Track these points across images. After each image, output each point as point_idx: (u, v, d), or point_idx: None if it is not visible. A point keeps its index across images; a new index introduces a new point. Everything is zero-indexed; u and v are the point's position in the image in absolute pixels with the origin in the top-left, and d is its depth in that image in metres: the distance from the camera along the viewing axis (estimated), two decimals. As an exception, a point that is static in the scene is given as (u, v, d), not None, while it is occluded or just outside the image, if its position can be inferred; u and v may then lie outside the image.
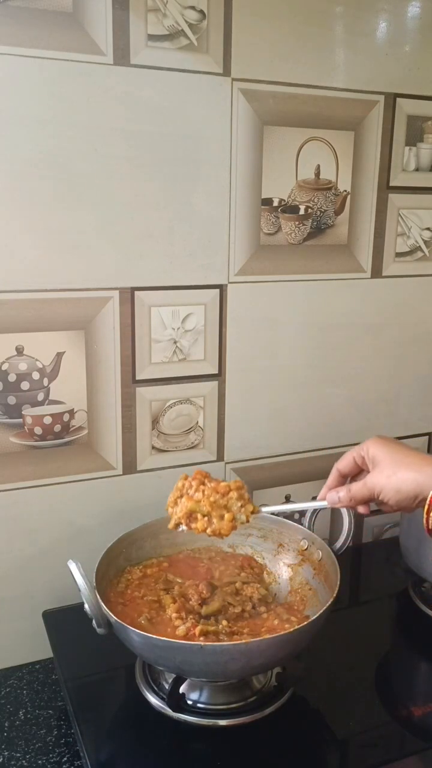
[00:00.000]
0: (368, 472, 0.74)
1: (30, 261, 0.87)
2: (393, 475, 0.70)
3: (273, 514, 0.84)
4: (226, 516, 0.78)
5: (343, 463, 0.78)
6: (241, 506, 0.79)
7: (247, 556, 0.96)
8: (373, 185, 1.06)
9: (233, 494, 0.79)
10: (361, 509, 0.76)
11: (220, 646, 0.73)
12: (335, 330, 1.10)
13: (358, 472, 0.77)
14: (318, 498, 0.79)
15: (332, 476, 0.79)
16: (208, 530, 0.78)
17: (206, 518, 0.78)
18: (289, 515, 1.13)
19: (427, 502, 0.67)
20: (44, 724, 0.86)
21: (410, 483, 0.68)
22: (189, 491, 0.80)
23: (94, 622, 0.76)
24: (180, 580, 0.89)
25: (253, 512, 0.80)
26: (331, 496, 0.76)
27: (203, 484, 0.80)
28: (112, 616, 0.74)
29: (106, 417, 0.96)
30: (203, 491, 0.79)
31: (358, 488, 0.73)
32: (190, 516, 0.78)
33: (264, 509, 0.82)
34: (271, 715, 0.79)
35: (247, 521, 0.80)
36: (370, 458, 0.74)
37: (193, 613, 0.82)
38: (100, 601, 0.76)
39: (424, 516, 0.67)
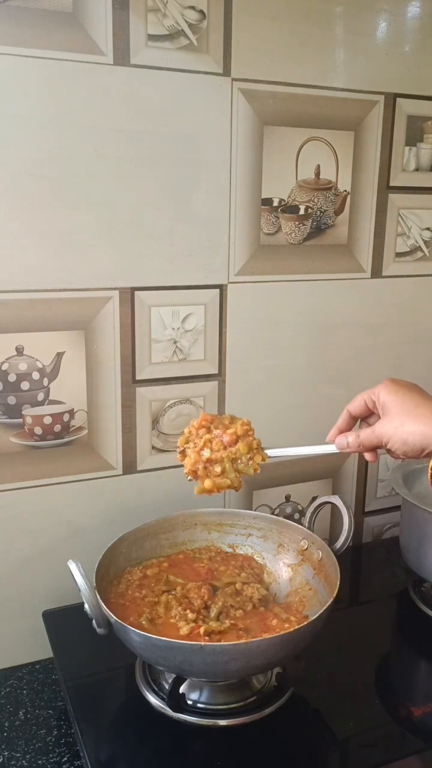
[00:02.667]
0: (379, 416, 0.73)
1: (30, 261, 0.87)
2: (401, 426, 0.68)
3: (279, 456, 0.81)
4: (233, 476, 0.77)
5: (354, 405, 0.76)
6: (249, 459, 0.78)
7: (247, 557, 0.96)
8: (373, 185, 1.06)
9: (240, 446, 0.78)
10: (368, 456, 0.74)
11: (220, 646, 0.73)
12: (335, 330, 1.10)
13: (368, 415, 0.76)
14: (327, 440, 0.77)
15: (342, 418, 0.77)
16: (215, 489, 0.77)
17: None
18: (289, 515, 1.13)
19: None
20: (44, 724, 0.86)
21: (418, 435, 0.67)
22: (196, 441, 0.78)
23: (94, 622, 0.76)
24: (181, 581, 0.89)
25: (262, 460, 0.79)
26: (340, 440, 0.75)
27: (209, 431, 0.78)
28: (112, 616, 0.74)
29: (106, 417, 0.96)
30: (210, 443, 0.77)
31: (366, 435, 0.72)
32: (196, 471, 0.77)
33: (270, 453, 0.80)
34: (271, 715, 0.79)
35: (255, 473, 0.78)
36: (381, 404, 0.72)
37: (196, 613, 0.82)
38: (100, 601, 0.76)
39: (429, 471, 0.66)
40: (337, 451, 0.76)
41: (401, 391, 0.71)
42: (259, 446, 0.80)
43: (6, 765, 0.79)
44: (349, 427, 0.77)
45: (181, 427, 1.02)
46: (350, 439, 0.74)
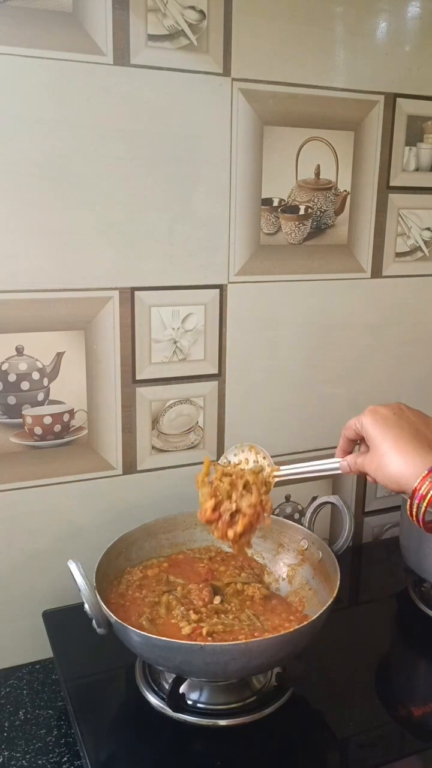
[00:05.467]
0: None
1: (30, 261, 0.87)
2: (380, 468, 0.68)
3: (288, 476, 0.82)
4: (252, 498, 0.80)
5: (347, 430, 0.76)
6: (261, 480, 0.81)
7: (247, 557, 0.96)
8: (373, 185, 1.06)
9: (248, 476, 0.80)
10: (370, 479, 0.74)
11: (220, 646, 0.73)
12: (335, 330, 1.10)
13: (362, 438, 0.75)
14: (336, 456, 0.78)
15: (341, 440, 0.77)
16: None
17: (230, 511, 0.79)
18: (289, 515, 1.13)
19: (410, 496, 0.65)
20: (44, 724, 0.86)
21: (394, 478, 0.67)
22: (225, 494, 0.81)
23: (94, 622, 0.76)
24: (181, 581, 0.89)
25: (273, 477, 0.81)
26: (342, 464, 0.76)
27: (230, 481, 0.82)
28: (112, 616, 0.74)
29: (106, 417, 0.96)
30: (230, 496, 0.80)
31: (358, 466, 0.73)
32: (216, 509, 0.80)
33: (280, 471, 0.81)
34: (271, 715, 0.79)
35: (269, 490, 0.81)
36: (365, 435, 0.72)
37: (198, 613, 0.82)
38: (100, 601, 0.76)
39: (407, 509, 0.66)
40: (341, 472, 0.77)
41: (381, 424, 0.70)
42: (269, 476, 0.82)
43: (6, 765, 0.79)
44: (349, 448, 0.77)
45: (181, 427, 1.02)
46: (345, 464, 0.75)
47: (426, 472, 0.64)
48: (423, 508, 0.64)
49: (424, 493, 0.64)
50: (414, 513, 0.65)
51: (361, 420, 0.73)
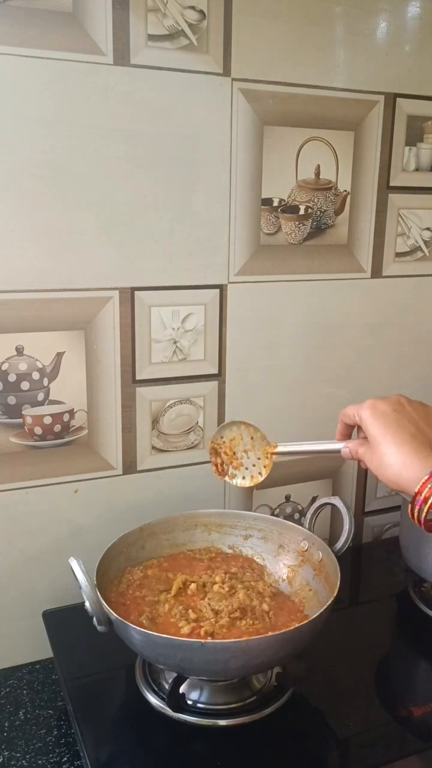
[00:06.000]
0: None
1: (30, 261, 0.87)
2: (380, 468, 0.67)
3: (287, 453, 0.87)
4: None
5: (346, 418, 0.75)
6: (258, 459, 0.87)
7: (248, 558, 0.96)
8: (373, 185, 1.06)
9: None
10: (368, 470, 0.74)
11: (220, 644, 0.73)
12: (335, 330, 1.10)
13: (356, 425, 0.75)
14: (335, 439, 0.78)
15: (339, 425, 0.76)
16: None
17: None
18: (289, 515, 1.13)
19: (412, 499, 0.65)
20: (44, 724, 0.86)
21: (394, 479, 0.66)
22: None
23: (94, 619, 0.76)
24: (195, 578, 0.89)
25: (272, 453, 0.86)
26: (344, 450, 0.75)
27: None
28: (113, 613, 0.74)
29: (105, 417, 0.96)
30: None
31: (361, 455, 0.72)
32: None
33: (279, 449, 0.85)
34: (271, 715, 0.79)
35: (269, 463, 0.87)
36: (365, 428, 0.70)
37: (198, 613, 0.82)
38: (100, 598, 0.76)
39: (408, 511, 0.65)
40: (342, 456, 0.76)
41: (381, 421, 0.68)
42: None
43: (6, 765, 0.79)
44: (347, 431, 0.76)
45: (181, 427, 1.02)
46: (347, 450, 0.74)
47: (427, 476, 0.63)
48: (425, 511, 0.63)
49: (426, 497, 0.63)
50: (416, 516, 0.65)
51: (360, 413, 0.71)
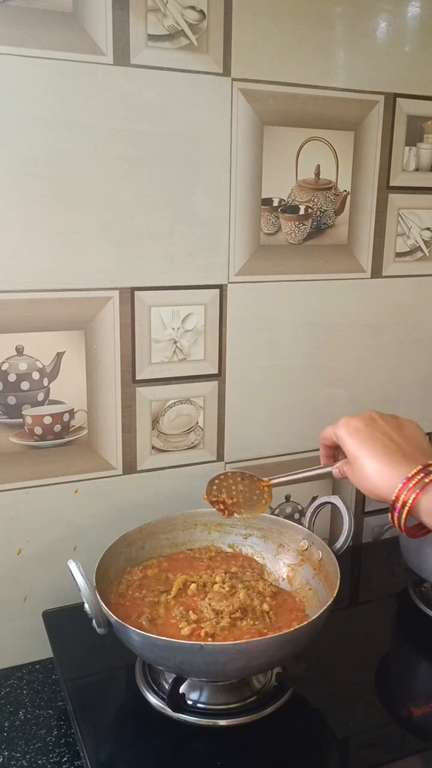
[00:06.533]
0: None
1: (30, 261, 0.87)
2: (360, 482, 0.70)
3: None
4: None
5: (325, 440, 0.77)
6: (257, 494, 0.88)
7: (248, 557, 0.96)
8: (373, 185, 1.06)
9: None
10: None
11: (220, 646, 0.73)
12: (335, 330, 1.10)
13: (335, 447, 0.77)
14: (321, 463, 0.81)
15: (321, 449, 0.79)
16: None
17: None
18: (289, 515, 1.13)
19: (390, 507, 0.66)
20: (44, 724, 0.86)
21: (374, 490, 0.68)
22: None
23: (94, 621, 0.76)
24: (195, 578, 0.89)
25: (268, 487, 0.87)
26: (334, 471, 0.77)
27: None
28: (112, 615, 0.74)
29: (106, 417, 0.96)
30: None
31: (346, 473, 0.75)
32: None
33: (274, 481, 0.86)
34: (271, 715, 0.79)
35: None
36: (343, 448, 0.73)
37: (199, 614, 0.82)
38: (100, 600, 0.76)
39: (390, 518, 0.67)
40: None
41: (355, 437, 0.71)
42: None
43: (6, 765, 0.79)
44: (331, 453, 0.79)
45: (181, 427, 1.02)
46: (336, 470, 0.77)
47: (402, 482, 0.64)
48: (404, 517, 0.65)
49: (403, 502, 0.64)
50: (396, 522, 0.66)
51: (336, 432, 0.73)
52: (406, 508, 0.64)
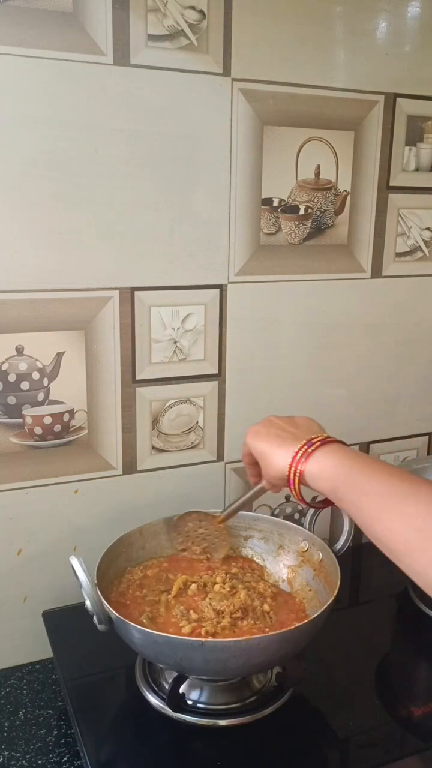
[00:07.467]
0: None
1: (30, 261, 0.87)
2: (267, 474, 0.77)
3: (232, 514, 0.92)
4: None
5: (246, 458, 0.83)
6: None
7: (248, 558, 0.96)
8: (373, 185, 1.06)
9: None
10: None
11: (221, 643, 0.73)
12: (335, 330, 1.10)
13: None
14: (251, 483, 0.87)
15: (246, 468, 0.85)
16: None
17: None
18: (289, 515, 1.13)
19: (288, 481, 0.73)
20: (44, 724, 0.86)
21: (278, 475, 0.74)
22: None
23: (95, 618, 0.76)
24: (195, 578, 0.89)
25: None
26: (266, 485, 0.83)
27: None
28: (113, 612, 0.74)
29: (106, 417, 0.96)
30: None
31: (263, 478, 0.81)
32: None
33: (222, 516, 0.92)
34: (271, 715, 0.79)
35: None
36: (254, 454, 0.79)
37: (199, 613, 0.82)
38: (101, 596, 0.76)
39: (293, 495, 0.73)
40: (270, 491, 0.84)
41: (255, 438, 0.78)
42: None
43: (6, 765, 0.79)
44: (256, 472, 0.83)
45: (181, 427, 1.02)
46: (265, 483, 0.82)
47: (290, 458, 0.72)
48: (297, 487, 0.71)
49: (294, 474, 0.71)
50: (294, 494, 0.72)
51: (245, 443, 0.81)
52: (297, 478, 0.71)
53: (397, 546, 0.61)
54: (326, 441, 0.71)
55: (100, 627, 0.76)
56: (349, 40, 0.99)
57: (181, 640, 0.73)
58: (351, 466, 0.67)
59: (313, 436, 0.72)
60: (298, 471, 0.71)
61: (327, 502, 0.75)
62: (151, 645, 0.75)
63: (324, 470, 0.69)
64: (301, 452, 0.71)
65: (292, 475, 0.71)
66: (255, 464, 0.82)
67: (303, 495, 0.72)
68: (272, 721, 0.79)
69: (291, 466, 0.71)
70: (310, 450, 0.71)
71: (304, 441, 0.72)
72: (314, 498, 0.77)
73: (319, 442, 0.71)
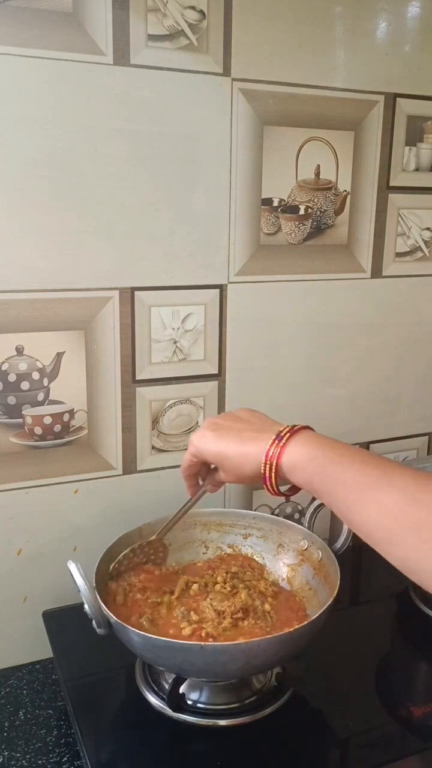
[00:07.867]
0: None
1: (30, 261, 0.87)
2: (236, 471, 0.73)
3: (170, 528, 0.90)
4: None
5: (190, 470, 0.80)
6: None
7: (247, 557, 0.96)
8: (373, 185, 1.06)
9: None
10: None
11: (220, 646, 0.73)
12: (335, 330, 1.10)
13: (200, 467, 0.80)
14: (190, 495, 0.84)
15: (187, 482, 0.82)
16: None
17: None
18: (289, 515, 1.13)
19: (264, 476, 0.70)
20: (44, 724, 0.86)
21: (248, 474, 0.72)
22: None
23: (94, 622, 0.76)
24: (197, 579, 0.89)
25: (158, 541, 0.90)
26: (209, 489, 0.82)
27: None
28: (112, 616, 0.74)
29: (106, 417, 0.96)
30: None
31: (220, 480, 0.79)
32: None
33: (158, 535, 0.89)
34: (271, 715, 0.79)
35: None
36: (208, 460, 0.76)
37: (200, 614, 0.82)
38: (99, 601, 0.76)
39: (266, 489, 0.71)
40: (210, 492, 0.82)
41: (207, 440, 0.75)
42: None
43: (6, 765, 0.79)
44: (194, 482, 0.82)
45: (181, 427, 1.02)
46: (209, 487, 0.81)
47: (263, 455, 0.69)
48: (273, 480, 0.69)
49: (269, 468, 0.69)
50: (269, 489, 0.70)
51: (191, 452, 0.77)
52: (273, 473, 0.69)
53: (376, 533, 0.62)
54: (294, 431, 0.69)
55: (99, 631, 0.76)
56: (349, 40, 0.99)
57: (180, 644, 0.72)
58: (323, 456, 0.66)
59: (280, 429, 0.70)
60: (273, 465, 0.69)
61: (294, 489, 0.73)
62: (151, 649, 0.75)
63: (298, 462, 0.67)
64: (273, 446, 0.69)
65: (267, 470, 0.69)
66: (195, 476, 0.81)
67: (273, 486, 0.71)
68: (272, 721, 0.79)
69: (266, 461, 0.69)
70: (282, 443, 0.69)
71: (273, 434, 0.70)
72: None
73: (288, 433, 0.69)
